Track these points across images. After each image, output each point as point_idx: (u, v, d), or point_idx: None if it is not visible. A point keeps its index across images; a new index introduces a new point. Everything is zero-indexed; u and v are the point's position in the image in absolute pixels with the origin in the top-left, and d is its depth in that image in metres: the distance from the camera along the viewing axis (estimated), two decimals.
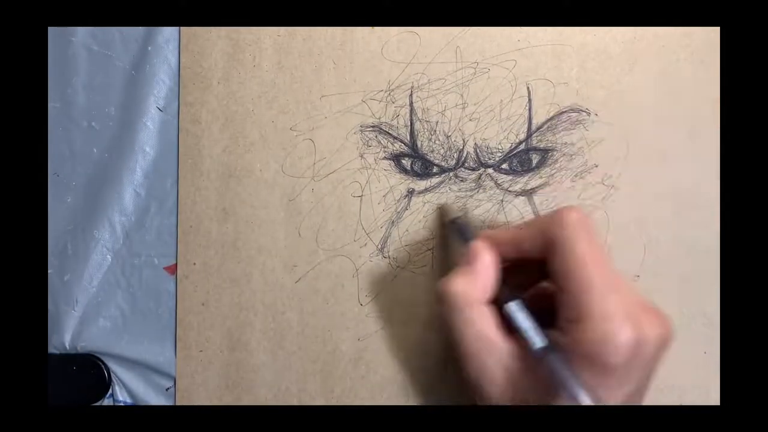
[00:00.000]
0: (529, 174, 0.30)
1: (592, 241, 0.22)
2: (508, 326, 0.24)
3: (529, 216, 0.30)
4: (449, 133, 0.30)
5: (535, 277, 0.26)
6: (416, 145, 0.30)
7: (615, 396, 0.21)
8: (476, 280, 0.24)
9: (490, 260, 0.24)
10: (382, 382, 0.30)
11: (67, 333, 0.31)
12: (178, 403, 0.30)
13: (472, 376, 0.24)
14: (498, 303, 0.24)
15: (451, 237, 0.29)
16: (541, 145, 0.29)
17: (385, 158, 0.30)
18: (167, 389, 0.31)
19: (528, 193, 0.30)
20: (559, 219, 0.23)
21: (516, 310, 0.24)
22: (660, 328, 0.22)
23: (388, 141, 0.30)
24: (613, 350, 0.21)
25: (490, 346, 0.23)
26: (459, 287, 0.24)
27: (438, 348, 0.30)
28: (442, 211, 0.29)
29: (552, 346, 0.22)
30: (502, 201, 0.30)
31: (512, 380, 0.23)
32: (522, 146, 0.29)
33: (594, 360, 0.21)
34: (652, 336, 0.21)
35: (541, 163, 0.29)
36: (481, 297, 0.24)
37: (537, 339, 0.22)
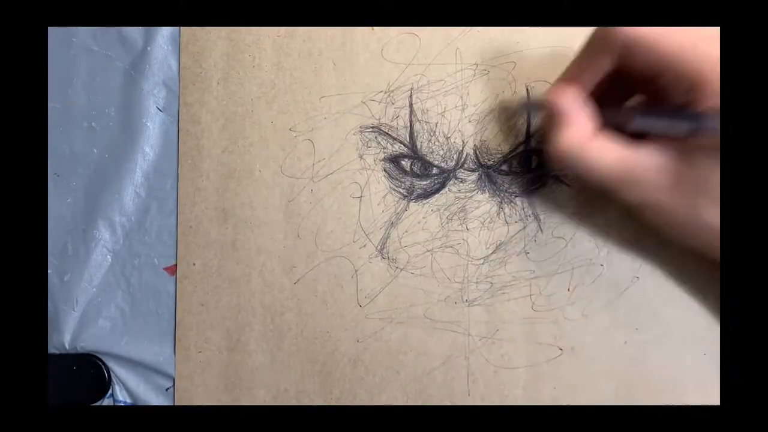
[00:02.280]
0: (529, 175, 0.30)
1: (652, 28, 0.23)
2: (636, 140, 0.24)
3: (528, 217, 0.30)
4: (449, 135, 0.30)
5: (616, 91, 0.26)
6: (416, 146, 0.30)
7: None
8: (572, 126, 0.24)
9: (571, 99, 0.24)
10: (381, 383, 0.30)
11: (67, 333, 0.31)
12: (177, 404, 0.30)
13: (641, 205, 0.24)
14: (610, 126, 0.24)
15: (534, 119, 0.28)
16: (541, 146, 0.29)
17: (384, 159, 0.30)
18: (167, 389, 0.31)
19: (527, 195, 0.30)
20: (609, 30, 0.23)
21: (644, 117, 0.23)
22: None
23: (388, 142, 0.30)
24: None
25: (638, 164, 0.23)
26: (562, 144, 0.24)
27: (438, 349, 0.30)
28: (504, 107, 0.29)
29: (699, 115, 0.22)
30: (501, 202, 0.30)
31: (680, 175, 0.23)
32: (521, 147, 0.29)
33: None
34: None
35: (541, 165, 0.29)
36: (586, 135, 0.24)
37: (685, 121, 0.22)
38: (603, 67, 0.24)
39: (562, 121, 0.24)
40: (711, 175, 0.23)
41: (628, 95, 0.26)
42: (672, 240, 0.25)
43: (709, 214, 0.23)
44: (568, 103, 0.25)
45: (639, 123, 0.23)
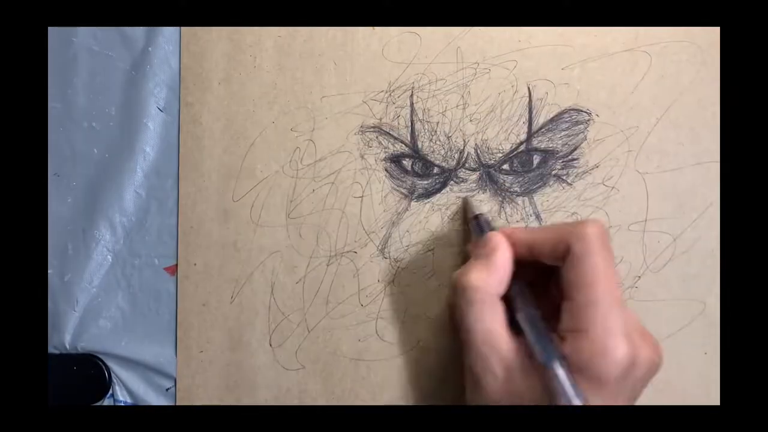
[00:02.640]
0: (530, 174, 0.30)
1: (607, 258, 0.23)
2: (516, 324, 0.24)
3: (529, 217, 0.30)
4: (450, 134, 0.30)
5: (543, 279, 0.26)
6: (417, 146, 0.30)
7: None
8: (493, 275, 0.24)
9: (508, 256, 0.25)
10: (383, 382, 0.30)
11: (67, 333, 0.31)
12: (178, 404, 0.30)
13: (473, 367, 0.24)
14: (508, 299, 0.25)
15: (472, 231, 0.29)
16: (542, 146, 0.29)
17: (385, 159, 0.30)
18: (167, 389, 0.31)
19: (528, 194, 0.30)
20: (580, 231, 0.23)
21: (526, 320, 0.24)
22: (653, 353, 0.23)
23: (389, 141, 0.30)
24: (610, 363, 0.21)
25: (497, 344, 0.24)
26: (475, 280, 0.24)
27: (439, 348, 0.30)
28: (465, 205, 0.29)
29: (558, 358, 0.22)
30: (502, 201, 0.30)
31: (511, 379, 0.23)
32: (522, 147, 0.29)
33: (591, 371, 0.22)
34: (645, 357, 0.22)
35: (542, 164, 0.29)
36: (495, 292, 0.24)
37: (545, 352, 0.23)
38: (549, 255, 0.24)
39: (487, 266, 0.25)
40: (527, 401, 0.23)
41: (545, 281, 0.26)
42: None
43: None
44: (503, 256, 0.25)
45: (519, 319, 0.24)
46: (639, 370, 0.22)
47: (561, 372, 0.22)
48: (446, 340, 0.30)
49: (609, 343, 0.21)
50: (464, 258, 0.29)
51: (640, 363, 0.22)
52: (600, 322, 0.22)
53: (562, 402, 0.22)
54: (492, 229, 0.27)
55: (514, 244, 0.25)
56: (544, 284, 0.26)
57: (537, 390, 0.23)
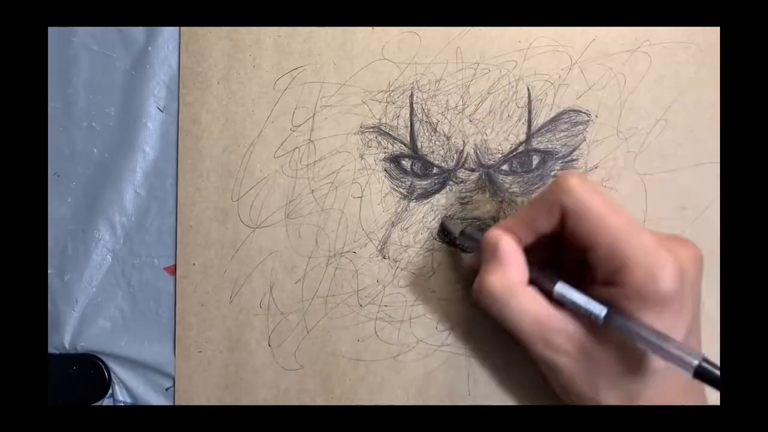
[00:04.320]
0: (529, 175, 0.30)
1: (601, 194, 0.23)
2: (556, 301, 0.24)
3: None
4: (449, 134, 0.30)
5: (554, 251, 0.25)
6: (416, 146, 0.30)
7: (679, 329, 0.21)
8: (508, 267, 0.24)
9: (512, 243, 0.24)
10: (382, 382, 0.30)
11: (67, 333, 0.31)
12: (177, 404, 0.30)
13: (544, 361, 0.24)
14: (535, 285, 0.24)
15: (465, 248, 0.28)
16: (542, 147, 0.29)
17: (385, 159, 0.30)
18: (167, 389, 0.31)
19: (528, 195, 0.30)
20: (563, 187, 0.23)
21: (564, 288, 0.23)
22: (690, 248, 0.22)
23: (389, 142, 0.30)
24: (663, 283, 0.21)
25: (553, 325, 0.23)
26: (495, 282, 0.24)
27: (439, 348, 0.30)
28: (445, 228, 0.29)
29: (613, 309, 0.22)
30: (501, 202, 0.30)
31: (584, 348, 0.23)
32: (522, 147, 0.29)
33: (648, 298, 0.21)
34: (687, 257, 0.22)
35: (542, 165, 0.29)
36: (519, 281, 0.24)
37: (597, 308, 0.22)
38: (548, 224, 0.24)
39: (499, 262, 0.24)
40: (612, 363, 0.23)
41: (553, 256, 0.26)
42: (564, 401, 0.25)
43: (607, 397, 0.23)
44: (508, 246, 0.24)
45: (557, 292, 0.24)
46: (689, 271, 0.22)
47: (619, 319, 0.21)
48: (447, 342, 0.30)
49: (652, 261, 0.21)
50: (469, 276, 0.29)
51: (687, 265, 0.22)
52: (633, 248, 0.21)
53: (643, 344, 0.21)
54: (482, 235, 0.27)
55: (511, 233, 0.25)
56: (561, 256, 0.25)
57: (612, 348, 0.22)
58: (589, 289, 0.23)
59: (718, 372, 0.20)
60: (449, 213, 0.29)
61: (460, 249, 0.29)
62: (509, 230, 0.25)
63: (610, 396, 0.23)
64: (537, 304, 0.24)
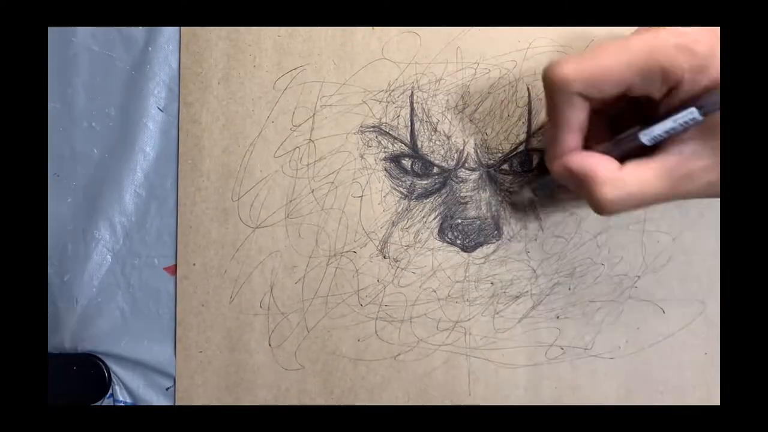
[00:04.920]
0: (529, 175, 0.30)
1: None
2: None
3: (528, 217, 0.30)
4: (449, 134, 0.30)
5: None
6: (416, 146, 0.30)
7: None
8: (602, 170, 0.23)
9: (579, 154, 0.24)
10: (382, 382, 0.30)
11: (67, 333, 0.31)
12: (177, 404, 0.30)
13: (694, 193, 0.23)
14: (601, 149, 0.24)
15: (544, 192, 0.28)
16: (542, 146, 0.29)
17: (385, 159, 0.30)
18: (167, 389, 0.31)
19: (527, 194, 0.30)
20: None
21: (649, 129, 0.23)
22: (708, 30, 0.23)
23: (389, 141, 0.30)
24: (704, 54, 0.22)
25: (673, 165, 0.23)
26: (609, 194, 0.23)
27: (439, 348, 0.30)
28: (517, 198, 0.29)
29: (695, 99, 0.22)
30: (501, 202, 0.30)
31: (712, 153, 0.23)
32: (522, 147, 0.29)
33: (710, 72, 0.22)
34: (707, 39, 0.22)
35: (541, 164, 0.29)
36: (617, 169, 0.23)
37: (688, 112, 0.22)
38: (579, 113, 0.24)
39: (591, 179, 0.23)
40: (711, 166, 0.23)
41: (601, 123, 0.26)
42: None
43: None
44: (582, 160, 0.24)
45: (647, 136, 0.23)
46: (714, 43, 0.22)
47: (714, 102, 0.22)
48: (447, 341, 0.30)
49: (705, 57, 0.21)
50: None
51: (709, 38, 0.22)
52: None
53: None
54: (550, 182, 0.27)
55: (570, 143, 0.24)
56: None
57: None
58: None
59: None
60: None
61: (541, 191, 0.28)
62: (561, 143, 0.24)
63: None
64: (644, 169, 0.23)
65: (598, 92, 0.23)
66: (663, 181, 0.23)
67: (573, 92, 0.23)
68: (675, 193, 0.23)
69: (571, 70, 0.23)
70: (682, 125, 0.23)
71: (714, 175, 0.23)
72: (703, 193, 0.24)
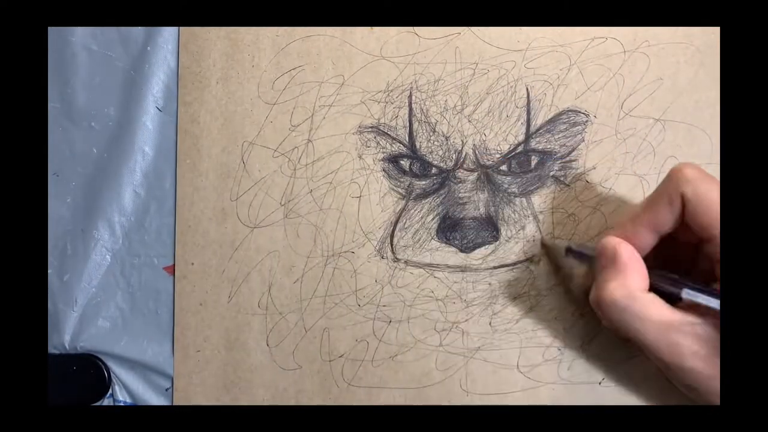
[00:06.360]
0: (528, 176, 0.30)
1: (717, 182, 0.23)
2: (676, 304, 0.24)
3: (527, 218, 0.30)
4: (448, 134, 0.30)
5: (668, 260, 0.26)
6: (415, 146, 0.30)
7: None
8: (629, 274, 0.24)
9: (630, 249, 0.24)
10: (380, 383, 0.30)
11: (67, 333, 0.31)
12: (175, 403, 0.30)
13: (674, 366, 0.23)
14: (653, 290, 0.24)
15: (571, 267, 0.28)
16: (540, 147, 0.29)
17: (383, 159, 0.30)
18: (167, 389, 0.31)
19: (526, 195, 0.30)
20: (681, 176, 0.23)
21: (692, 293, 0.23)
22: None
23: (387, 142, 0.30)
24: None
25: (680, 329, 0.23)
26: (616, 290, 0.24)
27: (437, 348, 0.30)
28: (549, 250, 0.29)
29: None
30: (500, 202, 0.30)
31: (717, 348, 0.23)
32: (521, 148, 0.29)
33: None
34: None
35: (540, 165, 0.29)
36: (641, 288, 0.24)
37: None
38: (670, 218, 0.24)
39: (618, 269, 0.24)
40: None
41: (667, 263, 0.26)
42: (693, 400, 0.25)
43: None
44: (627, 252, 0.24)
45: (688, 295, 0.23)
46: None
47: None
48: (445, 342, 0.30)
49: None
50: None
51: None
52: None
53: None
54: (590, 248, 0.26)
55: (630, 238, 0.25)
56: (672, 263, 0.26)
57: None
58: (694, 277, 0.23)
59: None
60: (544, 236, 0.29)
61: (574, 263, 0.28)
62: (626, 236, 0.25)
63: None
64: (661, 310, 0.23)
65: (690, 217, 0.24)
66: (658, 332, 0.23)
67: (680, 196, 0.24)
68: (657, 351, 0.23)
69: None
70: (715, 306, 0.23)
71: (700, 367, 0.23)
72: (678, 374, 0.24)
